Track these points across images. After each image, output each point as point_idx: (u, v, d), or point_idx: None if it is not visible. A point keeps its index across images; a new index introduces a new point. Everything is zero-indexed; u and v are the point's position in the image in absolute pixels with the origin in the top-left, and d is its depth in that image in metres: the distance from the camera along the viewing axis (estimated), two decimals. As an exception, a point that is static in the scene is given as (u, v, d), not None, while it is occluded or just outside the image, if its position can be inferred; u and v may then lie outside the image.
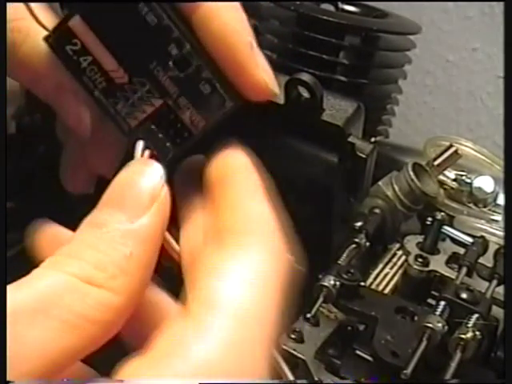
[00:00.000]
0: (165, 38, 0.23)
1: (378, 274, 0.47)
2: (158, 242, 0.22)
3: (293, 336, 0.41)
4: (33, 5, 0.25)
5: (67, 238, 0.21)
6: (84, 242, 0.20)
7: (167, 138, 0.25)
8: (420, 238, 0.47)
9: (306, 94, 0.39)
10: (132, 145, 0.25)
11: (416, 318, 0.39)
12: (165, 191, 0.22)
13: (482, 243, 0.44)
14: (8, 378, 0.17)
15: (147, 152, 0.25)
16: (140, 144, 0.25)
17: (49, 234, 0.25)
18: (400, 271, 0.47)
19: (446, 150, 0.50)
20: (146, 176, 0.22)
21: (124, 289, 0.20)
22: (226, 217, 0.21)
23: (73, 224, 0.22)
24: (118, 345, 0.21)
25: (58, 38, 0.25)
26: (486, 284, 0.41)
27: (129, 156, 0.24)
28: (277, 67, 0.45)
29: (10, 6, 0.25)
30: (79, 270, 0.19)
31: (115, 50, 0.24)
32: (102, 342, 0.20)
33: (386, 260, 0.48)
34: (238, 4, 0.25)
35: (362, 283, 0.42)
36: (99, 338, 0.20)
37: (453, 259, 0.45)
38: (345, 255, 0.41)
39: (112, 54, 0.24)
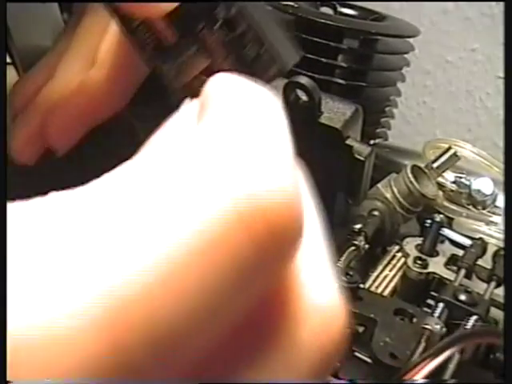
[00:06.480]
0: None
1: (377, 276, 0.47)
2: None
3: (292, 338, 0.41)
4: None
5: None
6: None
7: None
8: (419, 240, 0.47)
9: (304, 97, 0.39)
10: (178, 103, 0.25)
11: (415, 320, 0.39)
12: None
13: (481, 245, 0.44)
14: None
15: None
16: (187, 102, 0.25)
17: None
18: (399, 273, 0.47)
19: (444, 152, 0.50)
20: None
21: None
22: None
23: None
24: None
25: None
26: (485, 286, 0.41)
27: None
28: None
29: None
30: None
31: None
32: None
33: (385, 262, 0.48)
34: None
35: (361, 285, 0.42)
36: None
37: (452, 261, 0.45)
38: (344, 257, 0.41)
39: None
